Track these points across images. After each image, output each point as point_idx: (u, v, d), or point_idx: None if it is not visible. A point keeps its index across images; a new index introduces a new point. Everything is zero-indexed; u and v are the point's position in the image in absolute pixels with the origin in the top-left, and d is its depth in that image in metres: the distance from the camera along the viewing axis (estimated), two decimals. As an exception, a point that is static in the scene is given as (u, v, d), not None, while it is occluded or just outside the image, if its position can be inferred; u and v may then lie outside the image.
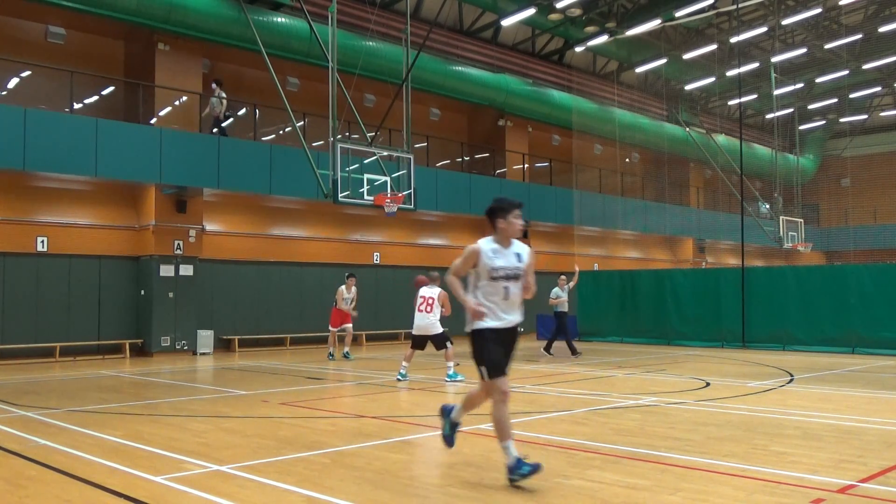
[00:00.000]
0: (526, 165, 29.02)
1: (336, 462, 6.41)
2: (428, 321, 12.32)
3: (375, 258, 23.86)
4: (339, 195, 16.53)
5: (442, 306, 12.32)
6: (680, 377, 12.98)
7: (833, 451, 6.75)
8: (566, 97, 28.65)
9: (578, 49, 28.34)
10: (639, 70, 31.46)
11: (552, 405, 9.70)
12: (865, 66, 33.18)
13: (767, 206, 34.52)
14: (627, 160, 34.16)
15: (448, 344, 12.40)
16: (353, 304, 17.40)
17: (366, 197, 17.25)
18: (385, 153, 18.00)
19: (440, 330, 12.37)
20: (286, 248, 21.92)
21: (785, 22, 28.31)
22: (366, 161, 17.84)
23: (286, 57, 21.01)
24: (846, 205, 42.45)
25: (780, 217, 30.24)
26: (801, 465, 6.20)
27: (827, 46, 31.05)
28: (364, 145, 17.59)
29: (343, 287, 17.27)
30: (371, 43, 21.40)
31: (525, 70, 28.43)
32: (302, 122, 20.38)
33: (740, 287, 19.92)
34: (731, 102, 37.40)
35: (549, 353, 17.58)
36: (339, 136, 16.93)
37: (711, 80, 32.24)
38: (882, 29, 29.05)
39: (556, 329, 17.70)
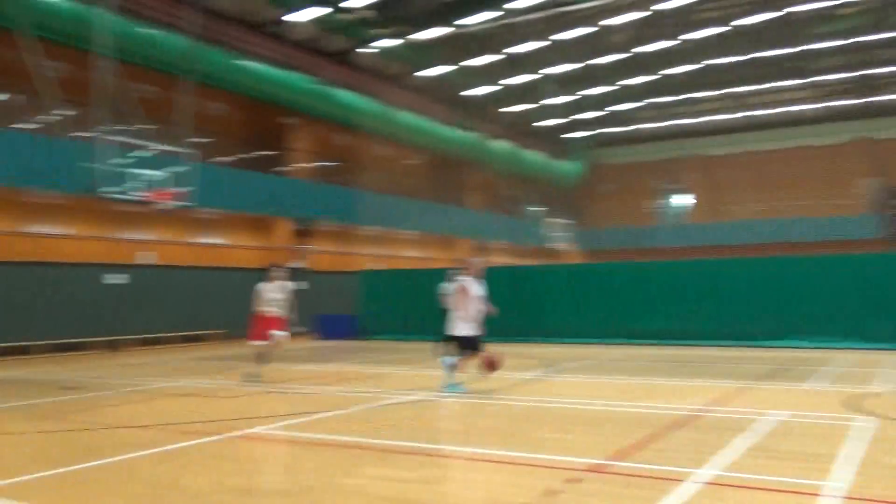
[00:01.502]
0: (311, 164, 28.85)
1: (104, 476, 6.04)
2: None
3: (146, 258, 22.52)
4: (104, 189, 15.45)
5: None
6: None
7: (588, 433, 7.41)
8: (352, 97, 28.82)
9: (366, 50, 28.64)
10: (424, 74, 32.35)
11: (330, 405, 9.76)
12: (629, 82, 36.53)
13: (535, 209, 36.79)
14: (410, 162, 35.00)
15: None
16: (287, 304, 12.63)
17: (136, 193, 16.27)
18: (161, 147, 17.12)
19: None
20: (44, 247, 20.05)
21: (559, 37, 30.37)
22: (141, 154, 16.86)
23: (49, 38, 19.26)
24: (607, 208, 46.52)
25: (547, 219, 32.33)
26: (558, 448, 6.74)
27: (594, 62, 33.73)
28: (137, 138, 16.63)
29: (264, 284, 12.48)
30: (150, 31, 20.19)
31: (313, 68, 28.23)
32: (73, 112, 18.76)
33: (512, 285, 21.09)
34: (505, 109, 39.47)
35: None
36: (109, 128, 15.86)
37: (495, 87, 33.90)
38: (642, 49, 32.15)
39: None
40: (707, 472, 5.75)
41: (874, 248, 30.44)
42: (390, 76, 32.67)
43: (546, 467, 6.02)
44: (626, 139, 46.65)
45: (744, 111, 41.99)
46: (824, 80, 38.17)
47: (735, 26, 30.49)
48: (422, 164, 35.95)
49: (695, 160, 44.19)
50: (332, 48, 29.74)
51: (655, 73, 35.69)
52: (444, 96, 34.97)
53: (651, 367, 13.93)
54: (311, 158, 28.77)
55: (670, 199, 44.73)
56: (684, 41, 31.84)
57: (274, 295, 12.34)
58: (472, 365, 10.59)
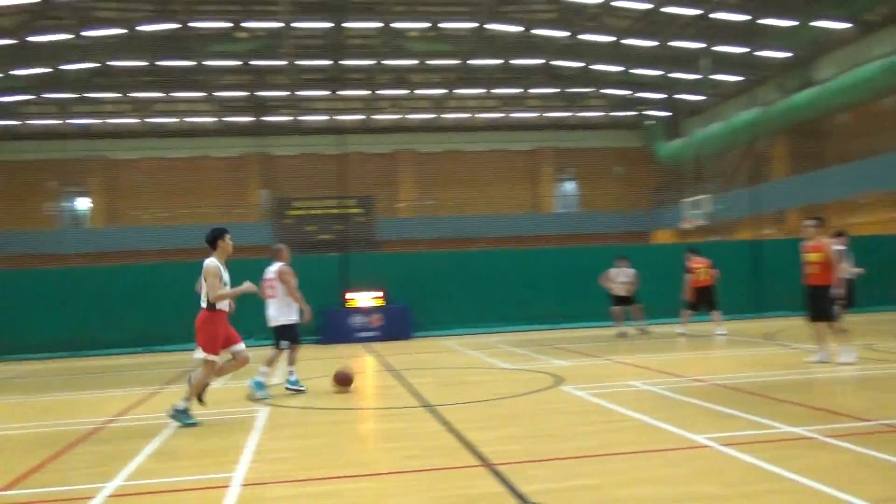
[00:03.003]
0: None
1: None
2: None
3: None
4: None
5: None
6: None
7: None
8: None
9: None
10: None
11: None
12: (20, 72, 33.19)
13: None
14: None
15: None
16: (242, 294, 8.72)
17: None
18: None
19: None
20: None
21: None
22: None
23: None
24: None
25: None
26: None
27: None
28: None
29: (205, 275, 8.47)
30: None
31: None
32: None
33: None
34: None
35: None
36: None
37: None
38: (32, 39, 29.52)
39: None
40: (113, 484, 5.65)
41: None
42: None
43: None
44: (20, 135, 42.35)
45: (149, 117, 42.02)
46: (224, 97, 40.65)
47: (138, 31, 30.39)
48: None
49: (98, 162, 42.49)
50: None
51: (50, 67, 33.25)
52: None
53: (48, 382, 12.99)
54: None
55: (72, 202, 42.20)
56: (82, 37, 30.43)
57: None
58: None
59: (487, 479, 5.39)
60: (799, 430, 6.38)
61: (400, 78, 40.76)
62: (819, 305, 10.68)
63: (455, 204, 43.43)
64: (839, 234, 14.03)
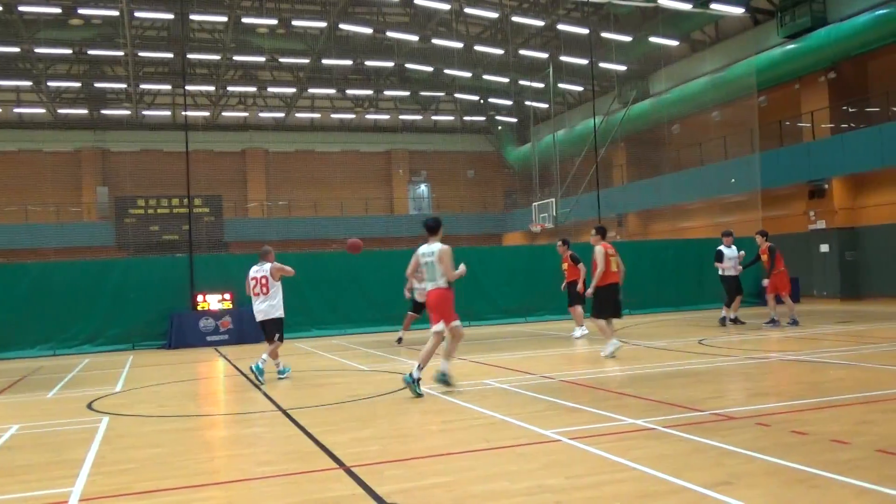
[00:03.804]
0: None
1: None
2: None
3: None
4: None
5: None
6: None
7: None
8: None
9: None
10: None
11: None
12: None
13: None
14: None
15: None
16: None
17: None
18: None
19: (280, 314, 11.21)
20: None
21: None
22: None
23: None
24: None
25: None
26: None
27: None
28: None
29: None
30: None
31: None
32: None
33: None
34: None
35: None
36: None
37: None
38: None
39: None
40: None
41: (113, 255, 31.70)
42: None
43: None
44: None
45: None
46: (57, 87, 38.03)
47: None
48: None
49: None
50: None
51: None
52: None
53: None
54: None
55: None
56: None
57: None
58: None
59: (344, 481, 5.33)
60: (640, 422, 6.74)
61: (249, 74, 39.75)
62: (597, 304, 12.24)
63: (308, 205, 42.84)
64: (727, 235, 15.96)
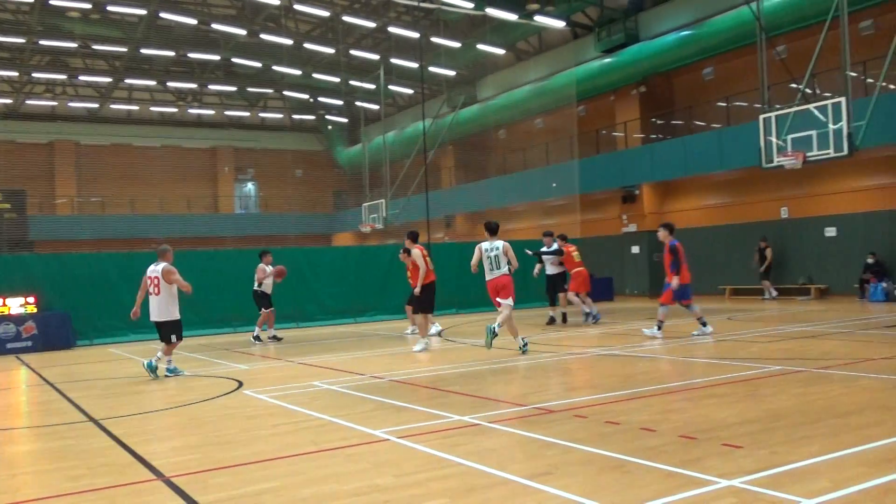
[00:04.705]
0: None
1: None
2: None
3: None
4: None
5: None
6: None
7: None
8: None
9: None
10: None
11: None
12: None
13: None
14: None
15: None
16: None
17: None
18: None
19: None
20: None
21: None
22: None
23: None
24: None
25: None
26: None
27: None
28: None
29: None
30: None
31: None
32: None
33: None
34: None
35: None
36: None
37: None
38: None
39: None
40: None
41: None
42: None
43: None
44: None
45: None
46: None
47: None
48: None
49: None
50: None
51: None
52: None
53: None
54: None
55: None
56: None
57: None
58: None
59: (163, 493, 5.06)
60: (467, 419, 6.90)
61: (58, 61, 36.93)
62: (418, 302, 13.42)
63: (125, 202, 40.42)
64: (547, 235, 16.87)
